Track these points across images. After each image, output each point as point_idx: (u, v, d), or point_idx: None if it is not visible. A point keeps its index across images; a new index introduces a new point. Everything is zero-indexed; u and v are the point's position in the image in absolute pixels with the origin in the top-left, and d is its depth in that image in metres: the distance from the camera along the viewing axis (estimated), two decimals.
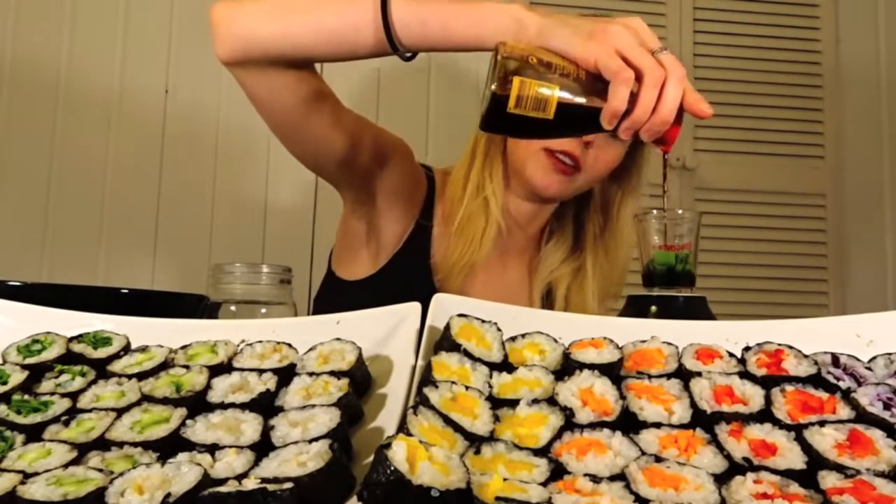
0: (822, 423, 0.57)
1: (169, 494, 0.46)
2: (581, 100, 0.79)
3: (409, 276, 1.26)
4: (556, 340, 0.71)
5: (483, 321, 0.71)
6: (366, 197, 1.25)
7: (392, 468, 0.45)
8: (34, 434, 0.59)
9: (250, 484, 0.47)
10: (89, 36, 2.16)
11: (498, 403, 0.60)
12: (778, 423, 0.58)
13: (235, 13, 0.99)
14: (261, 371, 0.66)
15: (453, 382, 0.60)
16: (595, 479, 0.50)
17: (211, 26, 1.00)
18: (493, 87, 0.78)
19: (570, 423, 0.58)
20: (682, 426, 0.58)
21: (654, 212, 0.98)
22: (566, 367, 0.67)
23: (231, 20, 0.99)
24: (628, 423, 0.58)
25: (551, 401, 0.60)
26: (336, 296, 1.32)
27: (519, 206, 1.30)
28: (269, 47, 0.98)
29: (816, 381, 0.64)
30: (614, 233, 1.32)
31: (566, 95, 0.78)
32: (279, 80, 1.03)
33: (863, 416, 0.58)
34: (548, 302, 1.33)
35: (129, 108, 2.15)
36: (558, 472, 0.52)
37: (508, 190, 1.29)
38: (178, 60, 2.18)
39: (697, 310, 0.94)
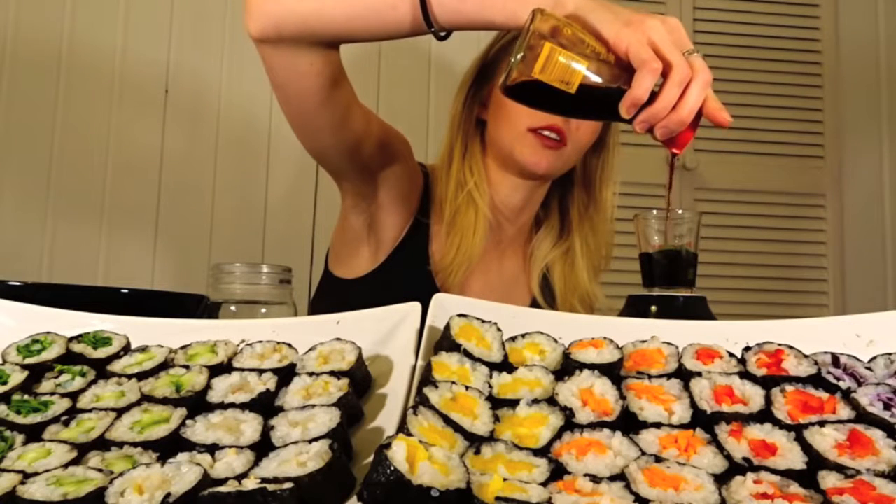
0: (822, 424, 0.57)
1: (169, 494, 0.46)
2: (606, 82, 0.79)
3: (408, 272, 1.26)
4: (556, 340, 0.71)
5: (483, 321, 0.71)
6: (368, 190, 1.25)
7: (392, 468, 0.45)
8: (34, 434, 0.59)
9: (250, 484, 0.47)
10: (89, 36, 2.15)
11: (498, 403, 0.60)
12: (778, 424, 0.58)
13: None
14: (261, 371, 0.66)
15: (453, 382, 0.60)
16: (595, 479, 0.50)
17: (245, 2, 0.99)
18: (523, 48, 0.78)
19: (570, 423, 0.58)
20: (682, 426, 0.58)
21: (654, 212, 0.98)
22: (566, 367, 0.67)
23: None
24: (628, 424, 0.58)
25: (551, 401, 0.60)
26: (335, 296, 1.32)
27: (506, 200, 1.31)
28: (303, 24, 0.98)
29: (816, 381, 0.64)
30: (598, 206, 1.35)
31: (592, 73, 0.78)
32: (306, 61, 1.02)
33: (863, 417, 0.58)
34: (546, 288, 1.35)
35: (128, 108, 2.15)
36: (558, 472, 0.52)
37: (493, 183, 1.30)
38: (178, 60, 2.18)
39: (697, 310, 0.94)
